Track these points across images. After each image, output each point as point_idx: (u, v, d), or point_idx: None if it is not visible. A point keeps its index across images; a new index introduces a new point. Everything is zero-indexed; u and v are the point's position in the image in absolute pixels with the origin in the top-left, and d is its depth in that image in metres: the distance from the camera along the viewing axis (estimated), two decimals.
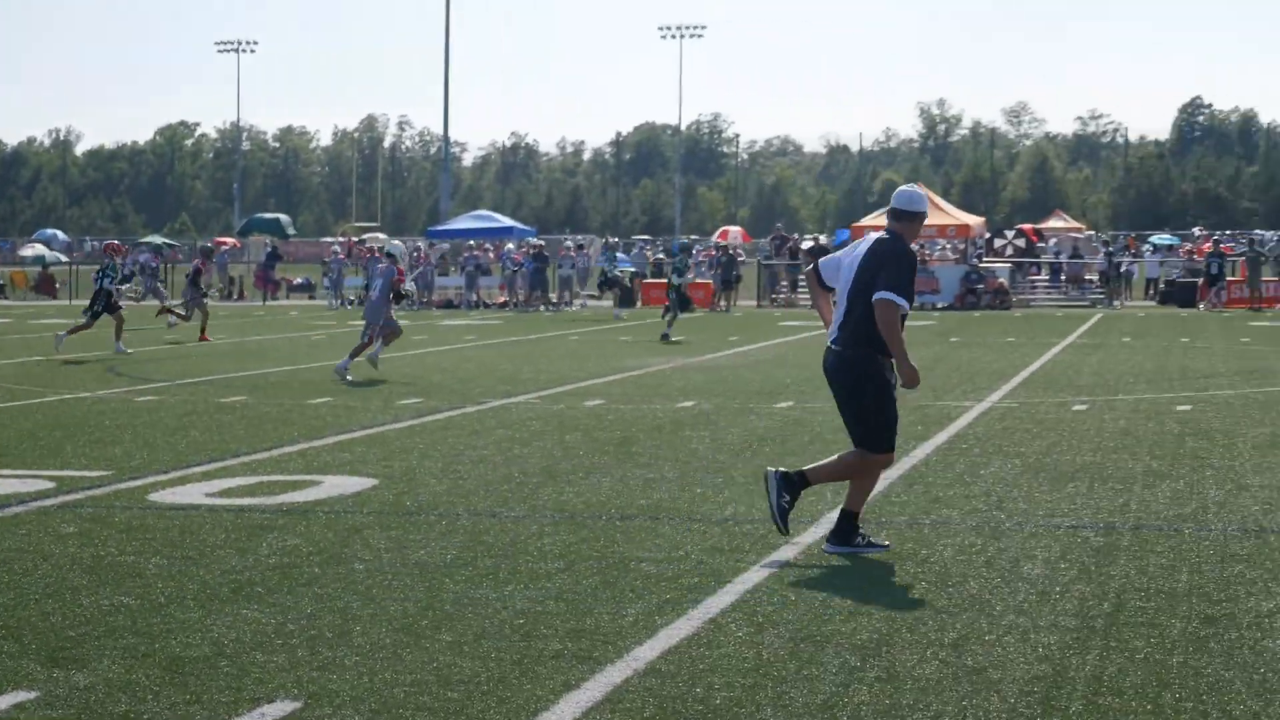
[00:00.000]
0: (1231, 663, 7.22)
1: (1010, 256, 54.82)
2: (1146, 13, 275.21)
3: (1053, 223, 78.47)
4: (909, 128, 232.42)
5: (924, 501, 11.67)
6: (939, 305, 45.86)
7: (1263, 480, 12.55)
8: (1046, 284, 53.16)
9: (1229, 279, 47.66)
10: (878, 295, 9.62)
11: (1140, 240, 79.84)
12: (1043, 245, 57.18)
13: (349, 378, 21.99)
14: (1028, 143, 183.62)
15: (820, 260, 10.38)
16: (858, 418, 9.89)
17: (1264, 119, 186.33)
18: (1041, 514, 11.11)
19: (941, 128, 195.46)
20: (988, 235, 57.86)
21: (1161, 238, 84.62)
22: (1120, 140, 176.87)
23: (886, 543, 9.96)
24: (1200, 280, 48.29)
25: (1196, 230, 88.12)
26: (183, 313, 35.18)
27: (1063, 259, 53.42)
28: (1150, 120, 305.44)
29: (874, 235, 10.05)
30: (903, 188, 10.38)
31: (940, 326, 36.77)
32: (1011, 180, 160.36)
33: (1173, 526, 10.61)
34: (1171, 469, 13.22)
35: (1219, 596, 8.52)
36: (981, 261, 50.32)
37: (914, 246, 10.11)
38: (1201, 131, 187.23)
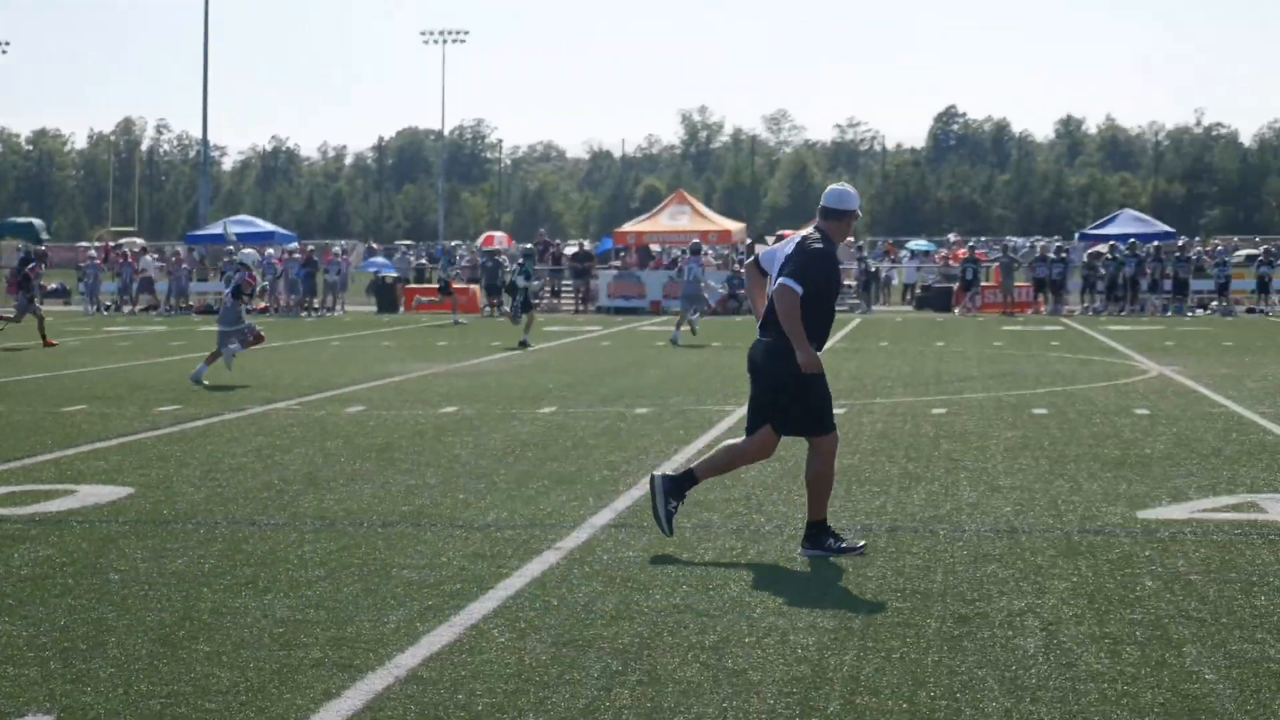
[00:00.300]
0: (985, 661, 7.39)
1: None
2: (902, 22, 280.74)
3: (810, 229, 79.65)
4: (671, 134, 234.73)
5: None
6: (701, 311, 46.21)
7: (1014, 482, 12.86)
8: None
9: (983, 284, 48.80)
10: (778, 281, 9.80)
11: (898, 246, 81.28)
12: None
13: (204, 382, 22.10)
14: (788, 150, 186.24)
15: (761, 252, 10.47)
16: (784, 406, 9.95)
17: (1016, 128, 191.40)
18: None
19: (703, 135, 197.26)
20: (749, 241, 58.51)
21: (918, 244, 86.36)
22: (878, 148, 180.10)
23: (861, 544, 10.01)
24: (955, 285, 49.37)
25: (952, 236, 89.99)
26: (12, 315, 34.88)
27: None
28: (906, 128, 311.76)
29: (805, 231, 10.23)
30: (833, 186, 10.44)
31: (702, 333, 37.09)
32: (772, 187, 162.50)
33: (928, 528, 10.82)
34: (927, 471, 13.48)
35: (972, 596, 8.71)
36: (743, 267, 50.82)
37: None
38: (956, 140, 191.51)
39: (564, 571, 9.43)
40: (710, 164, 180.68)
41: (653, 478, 10.34)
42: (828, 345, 10.37)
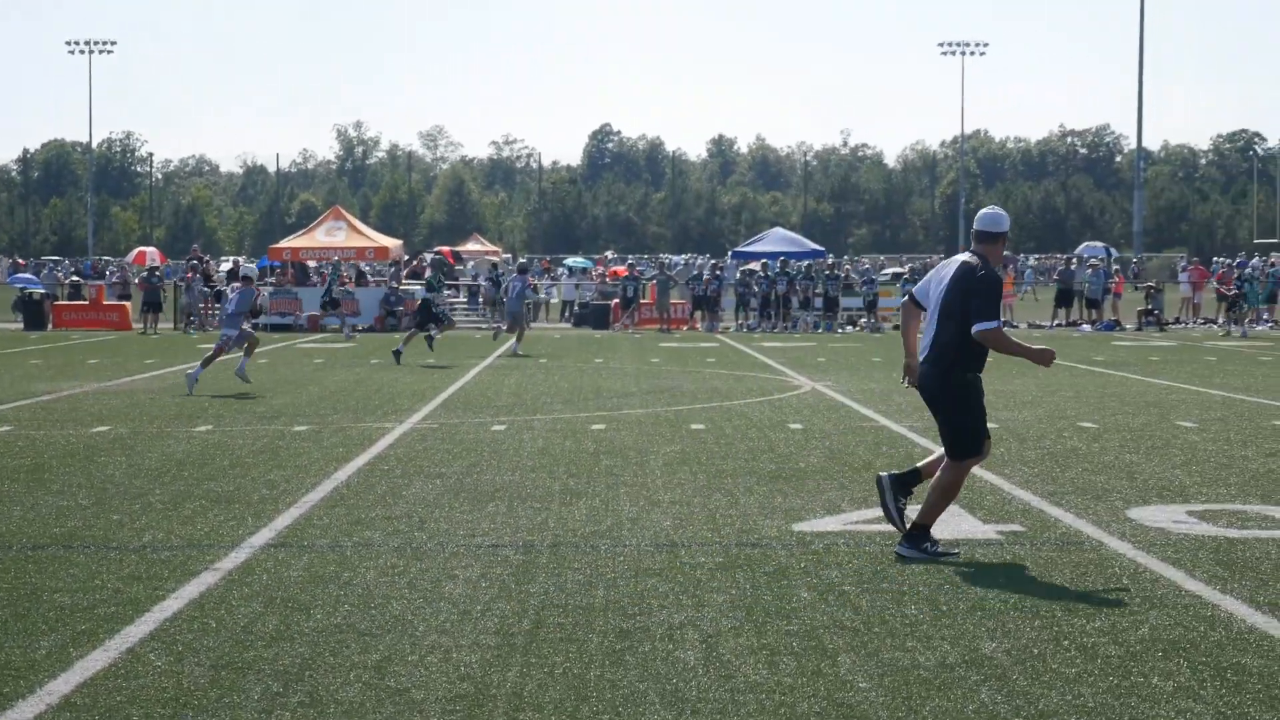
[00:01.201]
0: (646, 674, 7.46)
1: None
2: (558, 40, 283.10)
3: (470, 245, 79.76)
4: (327, 149, 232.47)
5: (346, 524, 11.63)
6: (359, 327, 45.87)
7: (673, 496, 13.04)
8: (465, 306, 53.86)
9: (641, 301, 49.37)
10: (976, 329, 10.31)
11: (555, 263, 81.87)
12: (461, 268, 57.97)
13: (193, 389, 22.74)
14: (445, 166, 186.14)
15: (914, 290, 10.95)
16: (944, 430, 10.61)
17: (670, 146, 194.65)
18: (462, 534, 11.23)
19: (359, 150, 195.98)
20: (407, 257, 58.25)
21: (576, 261, 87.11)
22: (534, 165, 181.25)
23: (956, 550, 10.45)
24: (614, 302, 49.87)
25: (609, 254, 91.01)
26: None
27: (481, 282, 54.23)
28: (562, 146, 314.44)
29: (960, 258, 10.68)
30: (986, 210, 10.86)
31: (361, 349, 36.77)
32: (429, 203, 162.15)
33: (589, 543, 10.90)
34: (588, 487, 13.58)
35: (633, 610, 8.79)
36: (401, 284, 50.58)
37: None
38: (611, 158, 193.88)
39: (222, 593, 9.24)
40: (367, 180, 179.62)
41: (879, 478, 10.92)
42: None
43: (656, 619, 8.59)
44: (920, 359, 10.72)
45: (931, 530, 10.49)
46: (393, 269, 54.10)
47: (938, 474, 10.65)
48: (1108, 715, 6.86)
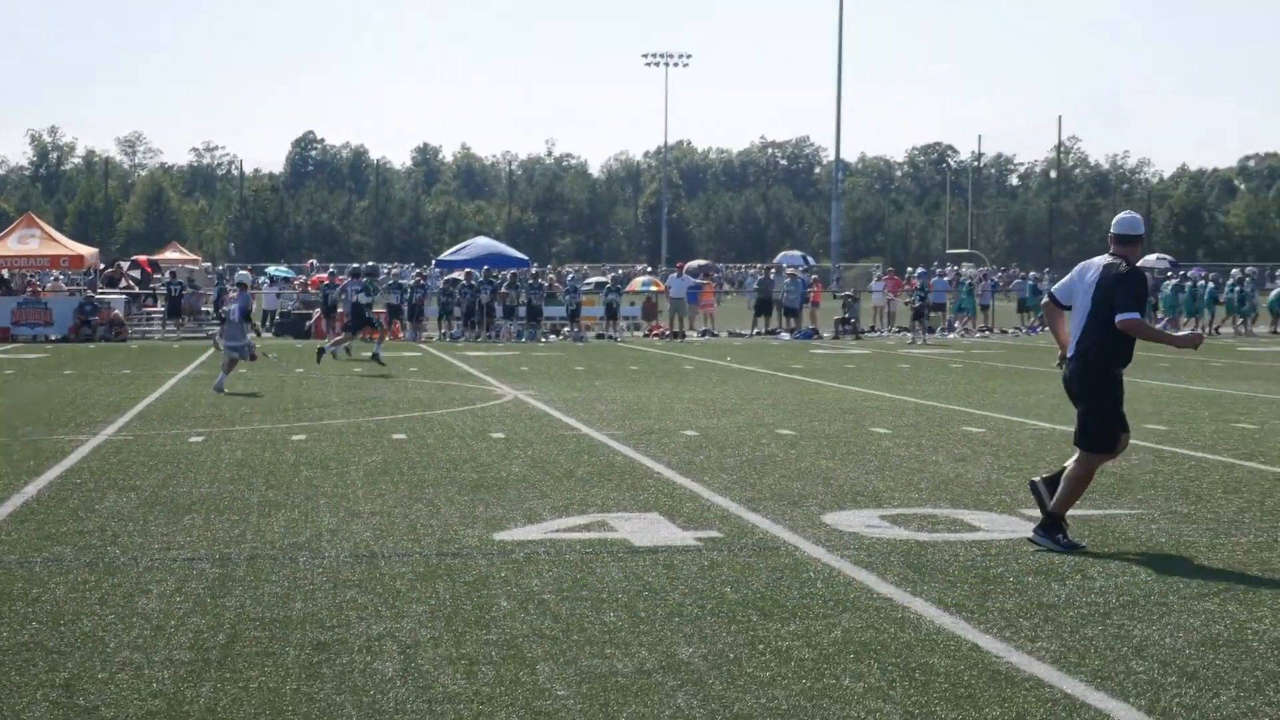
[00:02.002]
0: (343, 687, 7.39)
1: (125, 288, 54.01)
2: (261, 45, 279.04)
3: (169, 254, 78.10)
4: (19, 155, 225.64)
5: (36, 539, 11.30)
6: (52, 337, 44.58)
7: (373, 507, 12.94)
8: (163, 316, 52.68)
9: (341, 311, 48.80)
10: (1120, 318, 11.06)
11: (258, 272, 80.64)
12: (159, 276, 56.74)
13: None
14: (143, 173, 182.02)
15: (1054, 289, 11.77)
16: (1082, 420, 11.31)
17: (374, 155, 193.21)
18: (157, 547, 10.99)
19: (54, 156, 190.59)
20: (102, 266, 56.80)
21: (278, 270, 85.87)
22: (235, 173, 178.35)
23: (1084, 543, 11.10)
24: (316, 312, 49.28)
25: (312, 262, 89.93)
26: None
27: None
28: (266, 153, 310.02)
29: (1102, 259, 11.37)
30: (1122, 215, 11.57)
31: (54, 359, 35.74)
32: (127, 211, 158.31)
33: (288, 555, 10.76)
34: (287, 498, 13.41)
35: (332, 622, 8.71)
36: (96, 293, 49.32)
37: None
38: (314, 166, 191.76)
39: None
40: (61, 186, 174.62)
41: (1032, 483, 11.60)
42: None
43: (355, 631, 8.52)
44: (1069, 355, 11.46)
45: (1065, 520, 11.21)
46: (89, 277, 52.68)
47: (1071, 465, 11.35)
48: (800, 717, 7.00)
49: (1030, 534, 11.32)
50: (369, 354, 32.97)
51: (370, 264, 41.88)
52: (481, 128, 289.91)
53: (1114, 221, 11.66)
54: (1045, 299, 12.05)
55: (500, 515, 12.53)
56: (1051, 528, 11.17)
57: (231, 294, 28.88)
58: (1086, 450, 11.34)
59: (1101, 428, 11.31)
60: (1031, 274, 70.00)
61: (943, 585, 9.75)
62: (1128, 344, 11.33)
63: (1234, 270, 57.23)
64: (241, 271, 29.73)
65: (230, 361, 25.98)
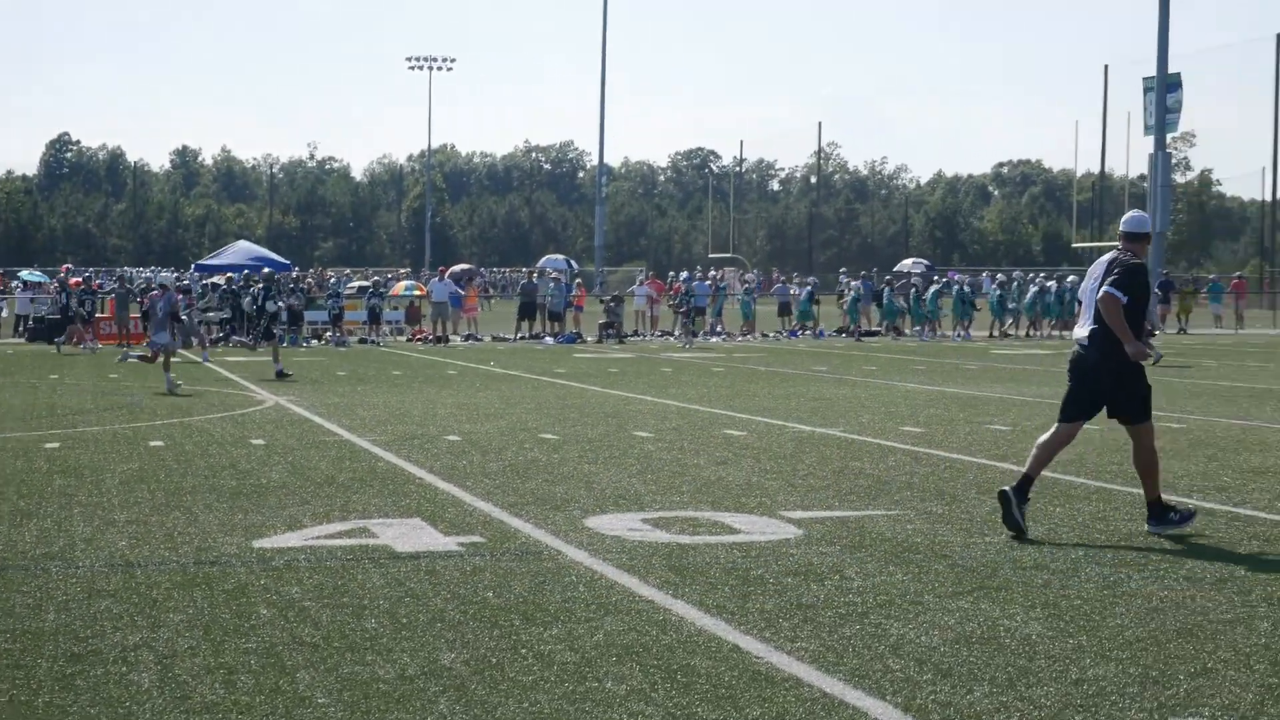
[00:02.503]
0: (98, 698, 7.24)
1: None
2: (14, 44, 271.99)
3: None
4: None
5: None
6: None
7: (129, 515, 12.69)
8: None
9: (100, 316, 47.80)
10: (1104, 289, 11.64)
11: (9, 276, 78.55)
12: None
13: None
14: None
15: (1078, 294, 12.36)
16: (1125, 402, 11.93)
17: (131, 157, 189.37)
18: None
19: None
20: None
21: (32, 274, 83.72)
22: None
23: (1192, 510, 12.08)
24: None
25: (68, 266, 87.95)
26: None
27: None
28: (18, 155, 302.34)
29: (1108, 255, 12.09)
30: (1130, 214, 12.23)
31: None
32: None
33: (39, 565, 10.50)
34: (39, 507, 13.09)
35: (86, 633, 8.52)
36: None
37: None
38: (70, 168, 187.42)
39: None
40: None
41: (1002, 492, 11.95)
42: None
43: (110, 641, 8.35)
44: (1084, 349, 11.97)
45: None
46: None
47: (1137, 447, 12.05)
48: None
49: (1146, 527, 11.91)
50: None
51: (268, 270, 40.94)
52: (242, 130, 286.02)
53: (1123, 220, 12.31)
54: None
55: (260, 522, 12.37)
56: (1160, 514, 11.82)
57: (156, 292, 29.50)
58: (1142, 422, 12.02)
59: (1148, 396, 12.06)
60: (795, 277, 70.87)
61: (704, 587, 9.84)
62: (1135, 323, 11.84)
63: (999, 275, 58.63)
64: (164, 274, 30.02)
65: (156, 354, 26.36)
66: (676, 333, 50.59)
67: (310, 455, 17.02)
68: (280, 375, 30.04)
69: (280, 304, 34.40)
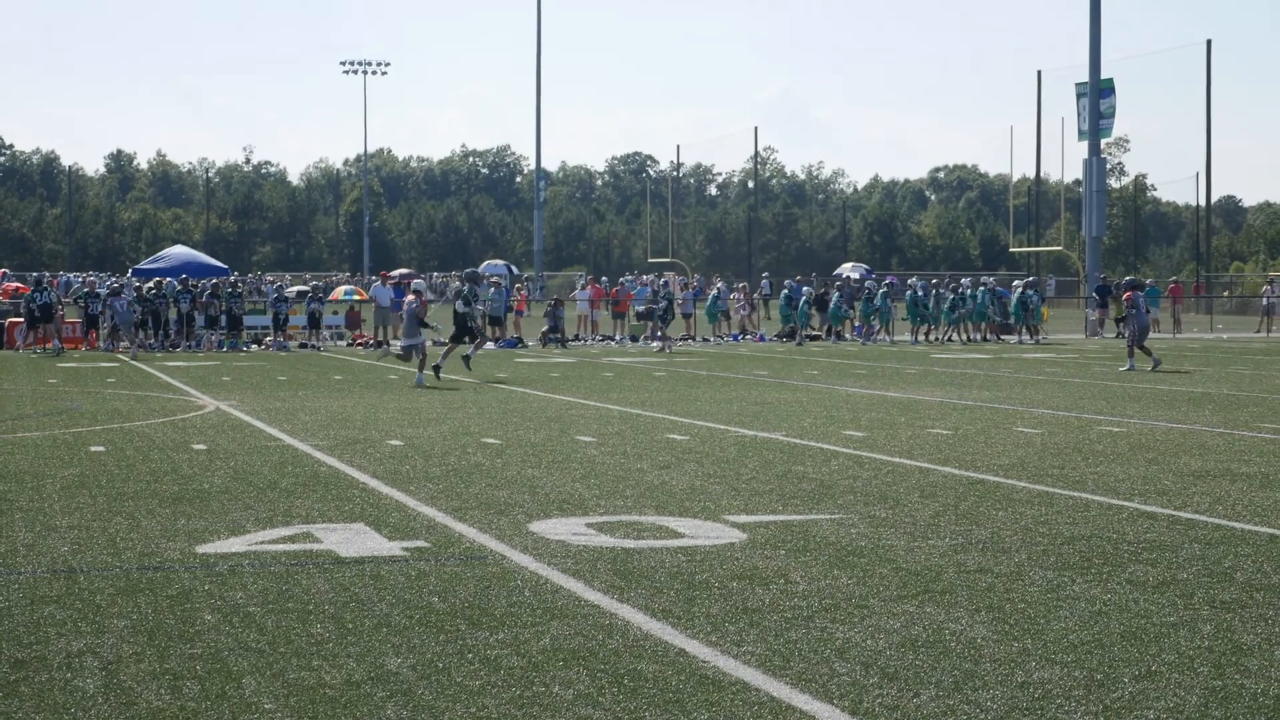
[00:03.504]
0: (42, 705, 7.19)
1: None
2: None
3: None
4: None
5: None
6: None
7: (71, 521, 12.60)
8: None
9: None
10: None
11: None
12: None
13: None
14: None
15: None
16: None
17: (66, 161, 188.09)
18: None
19: None
20: None
21: None
22: None
23: None
24: (7, 321, 47.76)
25: (4, 271, 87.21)
26: None
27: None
28: None
29: None
30: None
31: None
32: None
33: None
34: None
35: (30, 639, 8.46)
36: None
37: None
38: (4, 172, 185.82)
39: None
40: None
41: None
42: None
43: (54, 648, 8.29)
44: None
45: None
46: None
47: None
48: None
49: None
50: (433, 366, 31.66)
51: (471, 270, 40.27)
52: (177, 134, 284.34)
53: None
54: None
55: (203, 528, 12.31)
56: None
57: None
58: None
59: None
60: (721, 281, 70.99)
61: (649, 592, 9.85)
62: None
63: (964, 280, 58.71)
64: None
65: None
66: (618, 336, 50.58)
67: (252, 460, 16.94)
68: (436, 370, 31.05)
69: (471, 307, 33.85)
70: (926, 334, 53.63)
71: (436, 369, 31.06)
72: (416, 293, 32.14)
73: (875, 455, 17.55)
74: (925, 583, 10.16)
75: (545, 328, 51.09)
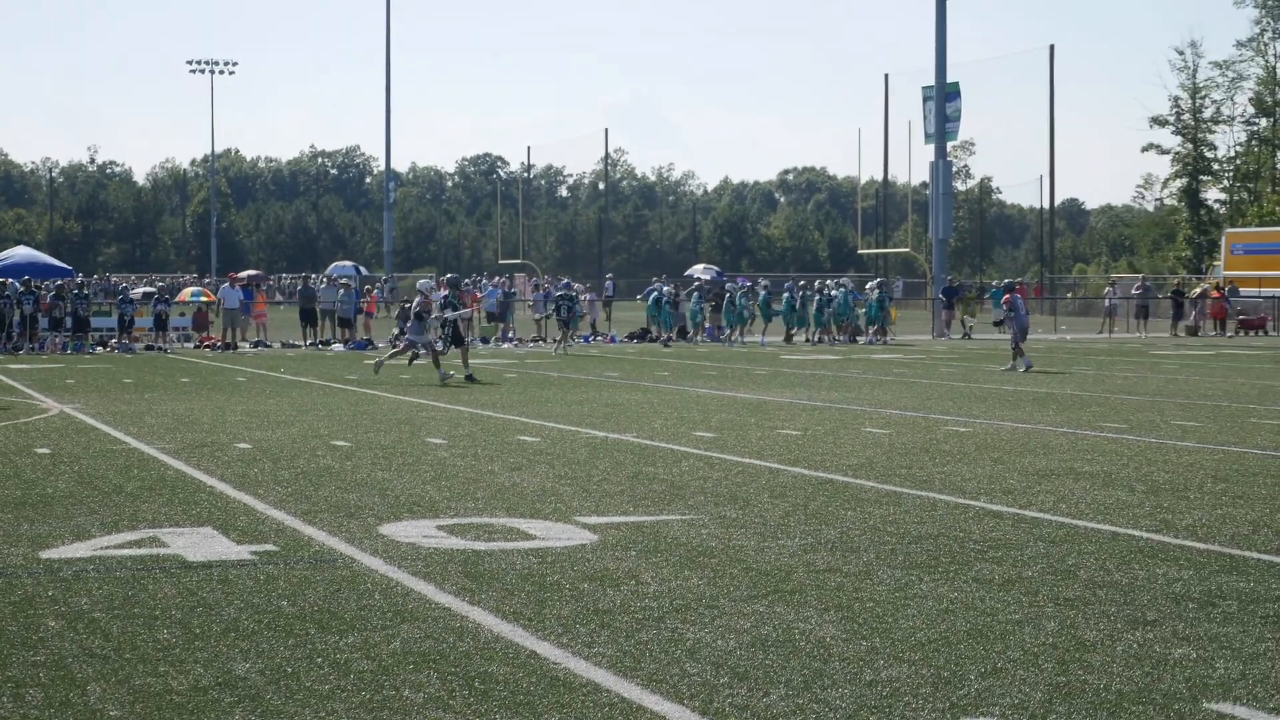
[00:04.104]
0: None
1: None
2: None
3: None
4: None
5: None
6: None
7: None
8: None
9: None
10: None
11: None
12: None
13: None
14: None
15: None
16: None
17: None
18: None
19: None
20: None
21: None
22: None
23: None
24: None
25: None
26: None
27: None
28: None
29: None
30: None
31: None
32: None
33: None
34: None
35: None
36: None
37: None
38: None
39: None
40: None
41: None
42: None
43: None
44: None
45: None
46: None
47: None
48: None
49: None
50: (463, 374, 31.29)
51: (452, 275, 39.44)
52: (19, 133, 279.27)
53: None
54: None
55: (46, 533, 12.11)
56: None
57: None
58: None
59: None
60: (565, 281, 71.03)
61: (500, 594, 9.83)
62: None
63: (822, 281, 59.10)
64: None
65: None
66: (472, 338, 50.34)
67: (97, 464, 16.69)
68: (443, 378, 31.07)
69: (459, 312, 33.60)
70: (790, 336, 53.98)
71: (379, 365, 32.88)
72: (421, 292, 33.39)
73: (725, 456, 17.65)
74: (775, 582, 10.23)
75: (396, 330, 50.78)
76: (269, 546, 11.57)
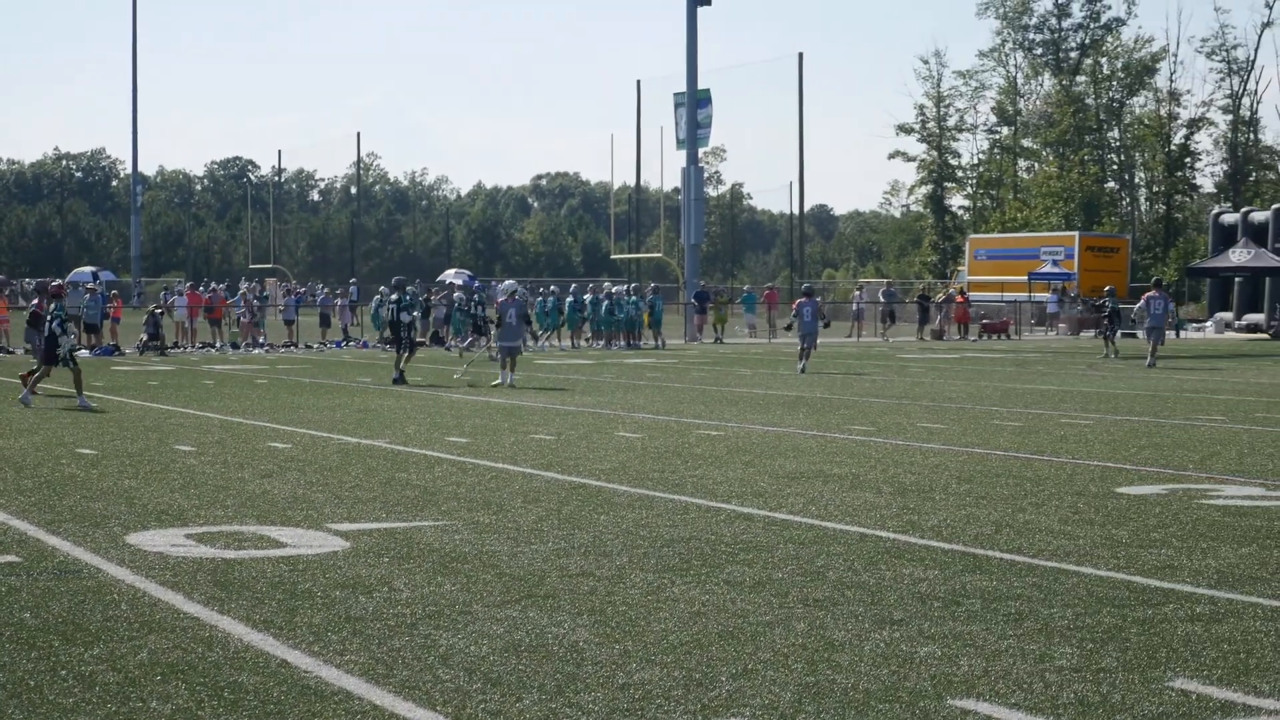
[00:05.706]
0: None
1: None
2: None
3: None
4: None
5: None
6: None
7: None
8: None
9: None
10: None
11: None
12: None
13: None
14: None
15: None
16: None
17: None
18: None
19: None
20: None
21: None
22: None
23: None
24: None
25: None
26: None
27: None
28: None
29: None
30: None
31: None
32: None
33: None
34: None
35: None
36: None
37: None
38: None
39: None
40: None
41: None
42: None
43: None
44: None
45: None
46: None
47: None
48: None
49: None
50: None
51: (399, 278, 37.55)
52: None
53: None
54: None
55: None
56: None
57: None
58: None
59: None
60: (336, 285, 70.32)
61: (250, 603, 9.70)
62: None
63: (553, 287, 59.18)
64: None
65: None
66: (219, 344, 49.55)
67: None
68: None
69: (414, 315, 33.14)
70: (536, 336, 54.06)
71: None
72: (505, 293, 33.38)
73: (479, 461, 17.63)
74: (528, 587, 10.25)
75: (144, 335, 49.78)
76: (10, 558, 11.27)
